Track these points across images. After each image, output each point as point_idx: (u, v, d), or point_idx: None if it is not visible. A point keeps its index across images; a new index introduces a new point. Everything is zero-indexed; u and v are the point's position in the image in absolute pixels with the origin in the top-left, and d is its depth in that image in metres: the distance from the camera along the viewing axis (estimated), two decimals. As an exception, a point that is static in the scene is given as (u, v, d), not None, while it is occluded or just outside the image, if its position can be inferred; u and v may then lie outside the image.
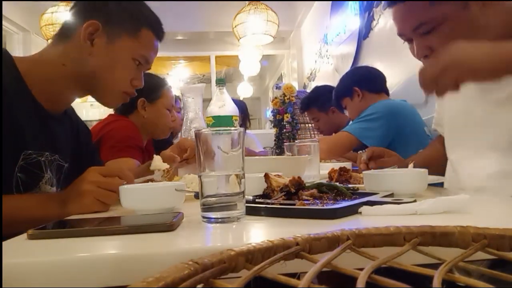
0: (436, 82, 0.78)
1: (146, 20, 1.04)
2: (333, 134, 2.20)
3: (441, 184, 1.13)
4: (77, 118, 1.19)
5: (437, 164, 1.18)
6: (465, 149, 1.06)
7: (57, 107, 1.02)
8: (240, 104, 3.27)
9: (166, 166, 1.06)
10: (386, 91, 2.03)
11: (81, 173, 0.84)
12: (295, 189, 0.72)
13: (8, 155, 0.88)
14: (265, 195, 0.74)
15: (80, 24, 0.96)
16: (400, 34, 1.03)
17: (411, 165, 0.97)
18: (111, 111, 1.81)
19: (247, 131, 3.39)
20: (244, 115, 3.29)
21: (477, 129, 1.02)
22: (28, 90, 0.93)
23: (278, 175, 0.78)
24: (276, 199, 0.70)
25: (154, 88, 1.76)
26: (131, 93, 1.07)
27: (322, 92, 2.66)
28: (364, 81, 2.00)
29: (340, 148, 1.83)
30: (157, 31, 1.08)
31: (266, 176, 0.75)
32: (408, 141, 1.71)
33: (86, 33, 0.96)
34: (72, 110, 1.17)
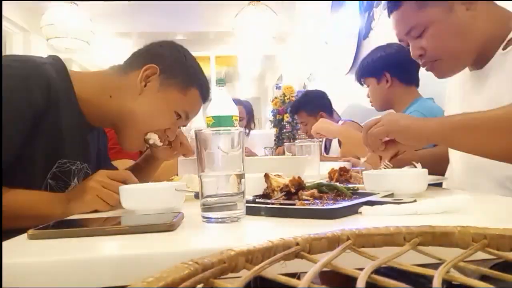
0: (368, 130, 0.94)
1: (197, 80, 1.07)
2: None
3: (441, 184, 1.13)
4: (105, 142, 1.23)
5: (446, 161, 1.19)
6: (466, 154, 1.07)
7: (96, 124, 1.05)
8: (247, 105, 3.28)
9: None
10: (417, 83, 1.82)
11: None
12: (295, 189, 0.72)
13: (44, 161, 0.91)
14: (265, 195, 0.74)
15: (142, 65, 1.01)
16: (400, 40, 1.11)
17: (419, 165, 0.97)
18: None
19: (252, 132, 3.39)
20: (250, 116, 3.29)
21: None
22: (76, 102, 0.96)
23: (278, 175, 0.78)
24: (276, 199, 0.70)
25: None
26: (156, 145, 1.08)
27: (312, 97, 2.67)
28: (398, 68, 1.76)
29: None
30: (205, 93, 1.10)
31: (266, 176, 0.75)
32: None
33: (144, 74, 1.00)
34: None
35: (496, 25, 0.97)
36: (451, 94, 1.22)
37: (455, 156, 1.13)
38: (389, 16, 1.12)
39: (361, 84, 1.94)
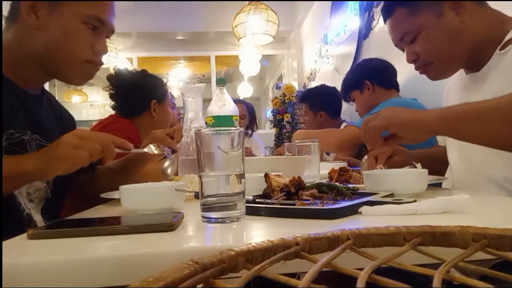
0: (367, 124, 0.94)
1: None
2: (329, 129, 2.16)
3: (441, 185, 1.13)
4: (58, 103, 1.17)
5: (442, 162, 1.19)
6: (464, 155, 1.08)
7: (31, 86, 0.99)
8: (249, 106, 3.27)
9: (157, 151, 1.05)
10: (396, 87, 1.98)
11: None
12: (295, 189, 0.72)
13: None
14: (265, 195, 0.74)
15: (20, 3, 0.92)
16: (395, 45, 1.16)
17: (419, 165, 0.97)
18: (111, 111, 1.83)
19: (254, 133, 3.38)
20: (251, 117, 3.28)
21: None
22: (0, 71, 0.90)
23: (278, 175, 0.78)
24: (276, 199, 0.70)
25: (162, 89, 1.81)
26: (97, 62, 1.00)
27: (317, 94, 2.65)
28: (375, 74, 1.94)
29: (349, 144, 1.77)
30: None
31: (266, 176, 0.75)
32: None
33: (27, 6, 0.91)
34: (52, 96, 1.15)
35: (489, 28, 0.99)
36: (448, 96, 1.23)
37: (454, 159, 1.13)
38: (385, 23, 1.16)
39: (347, 101, 2.12)
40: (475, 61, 1.02)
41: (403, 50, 1.13)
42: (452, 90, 1.20)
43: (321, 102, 2.57)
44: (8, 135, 0.90)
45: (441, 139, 1.31)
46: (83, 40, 0.96)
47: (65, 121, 1.15)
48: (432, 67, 1.07)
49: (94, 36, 0.98)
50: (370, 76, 1.94)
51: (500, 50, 0.95)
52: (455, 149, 1.13)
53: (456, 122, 0.84)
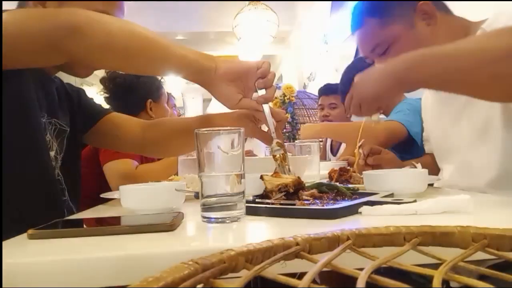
0: (349, 107, 0.91)
1: None
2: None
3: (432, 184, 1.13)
4: (76, 88, 1.12)
5: (431, 170, 1.19)
6: (454, 161, 1.09)
7: (48, 73, 0.96)
8: None
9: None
10: None
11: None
12: (293, 189, 0.72)
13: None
14: (264, 195, 0.74)
15: None
16: (365, 57, 1.13)
17: (419, 165, 0.98)
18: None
19: None
20: None
21: (463, 148, 1.06)
22: None
23: (276, 173, 0.77)
24: (276, 199, 0.70)
25: (157, 87, 1.82)
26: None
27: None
28: None
29: (395, 138, 1.60)
30: None
31: (261, 178, 0.74)
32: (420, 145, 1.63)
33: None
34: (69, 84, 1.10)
35: (457, 36, 0.97)
36: (426, 106, 1.25)
37: (448, 167, 1.13)
38: (352, 34, 1.13)
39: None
40: None
41: (372, 62, 1.11)
42: (430, 101, 1.21)
43: None
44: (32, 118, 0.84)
45: (427, 147, 1.31)
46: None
47: (74, 99, 1.10)
48: None
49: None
50: None
51: None
52: (444, 155, 1.14)
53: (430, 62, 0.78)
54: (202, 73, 0.81)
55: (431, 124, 1.24)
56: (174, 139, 1.08)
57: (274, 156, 0.83)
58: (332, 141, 2.56)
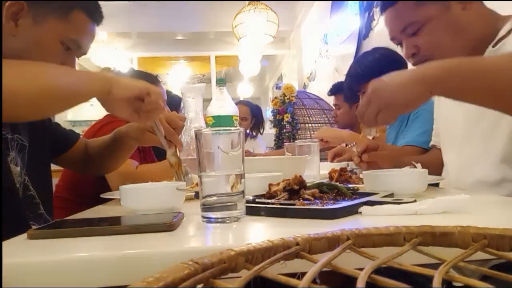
0: (363, 114, 0.84)
1: (78, 2, 0.94)
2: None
3: (438, 184, 1.13)
4: None
5: (432, 169, 1.19)
6: (459, 155, 1.08)
7: None
8: (254, 108, 3.23)
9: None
10: None
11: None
12: (297, 187, 0.72)
13: None
14: (270, 196, 0.74)
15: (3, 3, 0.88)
16: (392, 38, 1.10)
17: (419, 165, 0.97)
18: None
19: (258, 135, 3.37)
20: (257, 118, 3.24)
21: (470, 139, 1.05)
22: None
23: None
24: (277, 198, 0.70)
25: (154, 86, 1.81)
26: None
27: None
28: (395, 67, 1.58)
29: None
30: (92, 13, 0.97)
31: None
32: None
33: (9, 13, 0.88)
34: None
35: (485, 25, 0.98)
36: (440, 100, 1.22)
37: (449, 158, 1.13)
38: (381, 13, 1.11)
39: (358, 92, 1.82)
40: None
41: (399, 44, 1.08)
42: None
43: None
44: None
45: (436, 138, 1.29)
46: (54, 57, 0.93)
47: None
48: None
49: (66, 56, 0.96)
50: (388, 67, 1.68)
51: (493, 47, 0.95)
52: (450, 149, 1.13)
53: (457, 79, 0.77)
54: (98, 95, 0.86)
55: (443, 118, 1.21)
56: (102, 157, 1.18)
57: (170, 164, 0.98)
58: None
